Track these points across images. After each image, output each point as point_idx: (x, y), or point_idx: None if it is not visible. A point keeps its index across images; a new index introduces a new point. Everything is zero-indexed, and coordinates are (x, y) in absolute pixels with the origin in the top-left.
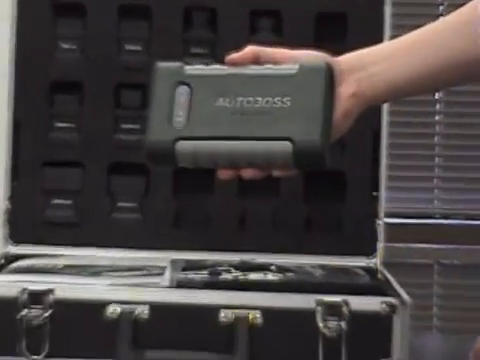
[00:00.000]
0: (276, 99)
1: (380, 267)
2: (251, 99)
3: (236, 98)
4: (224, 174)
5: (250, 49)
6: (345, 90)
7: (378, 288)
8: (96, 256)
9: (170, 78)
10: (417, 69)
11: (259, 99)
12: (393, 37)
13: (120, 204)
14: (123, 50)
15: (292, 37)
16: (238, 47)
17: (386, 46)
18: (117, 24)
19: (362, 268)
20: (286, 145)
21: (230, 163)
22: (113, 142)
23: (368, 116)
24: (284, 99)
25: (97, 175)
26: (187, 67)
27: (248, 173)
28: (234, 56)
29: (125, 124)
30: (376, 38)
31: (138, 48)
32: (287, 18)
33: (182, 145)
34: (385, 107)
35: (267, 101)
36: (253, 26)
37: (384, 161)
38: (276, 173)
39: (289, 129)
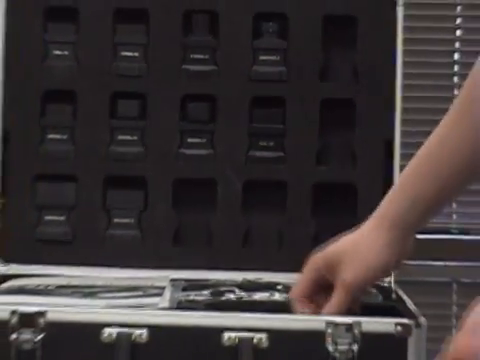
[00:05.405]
0: None
1: (394, 286)
2: None
3: None
4: None
5: None
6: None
7: (392, 308)
8: (91, 276)
9: None
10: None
11: None
12: (406, 40)
13: (116, 220)
14: (119, 56)
15: (299, 42)
16: (240, 52)
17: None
18: (112, 29)
19: (374, 287)
20: None
21: None
22: (109, 154)
23: (379, 125)
24: None
25: (92, 189)
26: None
27: None
28: None
29: (121, 135)
30: (388, 42)
31: (135, 54)
32: (293, 21)
33: None
34: (397, 116)
35: None
36: (257, 30)
37: (397, 173)
38: None
39: None
